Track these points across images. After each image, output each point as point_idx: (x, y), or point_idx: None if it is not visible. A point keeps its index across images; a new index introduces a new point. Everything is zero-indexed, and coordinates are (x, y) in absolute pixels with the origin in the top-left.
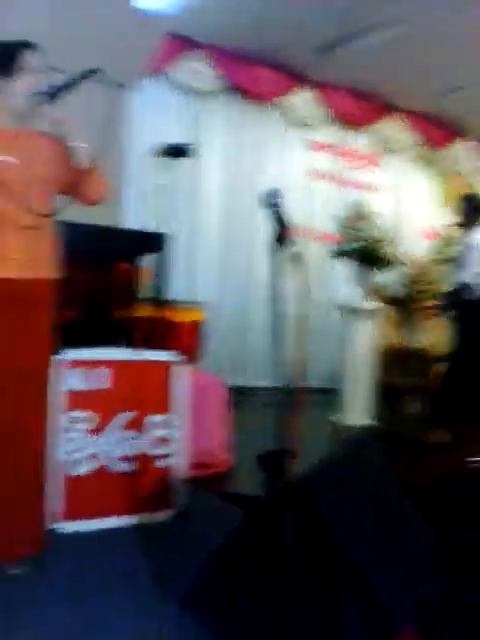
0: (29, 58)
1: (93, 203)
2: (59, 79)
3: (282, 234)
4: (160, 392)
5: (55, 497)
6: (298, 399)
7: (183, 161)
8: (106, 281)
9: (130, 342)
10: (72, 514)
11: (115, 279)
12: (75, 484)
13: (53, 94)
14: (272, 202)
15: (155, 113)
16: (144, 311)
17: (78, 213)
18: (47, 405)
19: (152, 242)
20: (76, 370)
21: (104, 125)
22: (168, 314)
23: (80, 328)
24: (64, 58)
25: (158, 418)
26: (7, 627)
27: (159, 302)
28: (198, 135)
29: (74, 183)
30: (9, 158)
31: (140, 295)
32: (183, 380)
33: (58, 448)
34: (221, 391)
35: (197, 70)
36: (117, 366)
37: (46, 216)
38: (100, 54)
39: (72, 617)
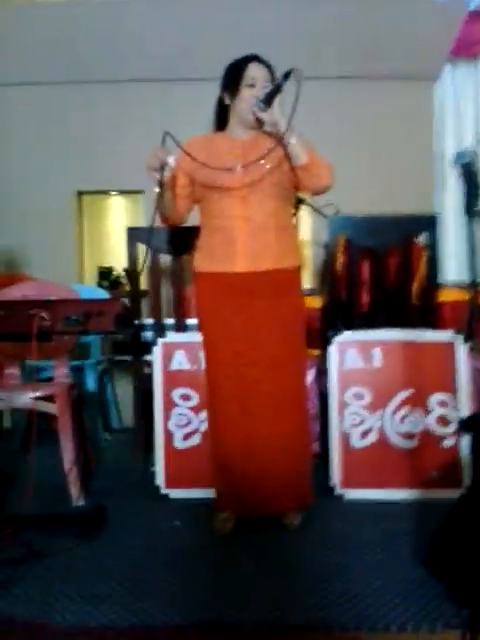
0: (253, 71)
1: (316, 193)
2: (269, 86)
3: (472, 195)
4: (442, 372)
5: (338, 465)
6: None
7: None
8: (395, 266)
9: (435, 326)
10: (353, 482)
11: (404, 263)
12: (356, 455)
13: (266, 100)
14: (464, 161)
15: None
16: (449, 295)
17: (393, 204)
18: (305, 371)
19: (423, 225)
20: (352, 350)
21: (406, 122)
22: (476, 296)
23: (378, 310)
24: (364, 56)
25: (442, 397)
26: (274, 564)
27: (465, 286)
28: None
29: (297, 177)
30: (238, 166)
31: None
32: (464, 360)
33: (341, 422)
34: None
35: None
36: (391, 346)
37: (277, 214)
38: (400, 50)
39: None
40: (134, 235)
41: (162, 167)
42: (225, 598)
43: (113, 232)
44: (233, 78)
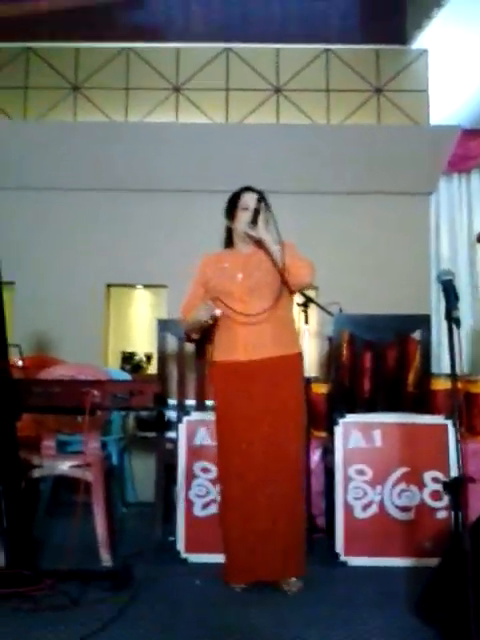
0: (245, 199)
1: (299, 289)
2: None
3: (451, 305)
4: (434, 451)
5: (342, 535)
6: None
7: None
8: (393, 357)
9: (429, 411)
10: (356, 550)
11: (401, 355)
12: (358, 525)
13: (253, 221)
14: (444, 279)
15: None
16: (441, 384)
17: (393, 304)
18: (303, 448)
19: (418, 323)
20: (356, 431)
21: (405, 231)
22: (466, 386)
23: (378, 396)
24: (368, 177)
25: (435, 474)
26: (283, 616)
27: (456, 375)
28: None
29: (283, 278)
30: (239, 275)
31: (432, 370)
32: (454, 441)
33: (345, 495)
34: None
35: None
36: (389, 428)
37: (273, 310)
38: (398, 168)
39: (337, 630)
40: (162, 326)
41: (212, 317)
42: None
43: (135, 321)
44: (231, 205)
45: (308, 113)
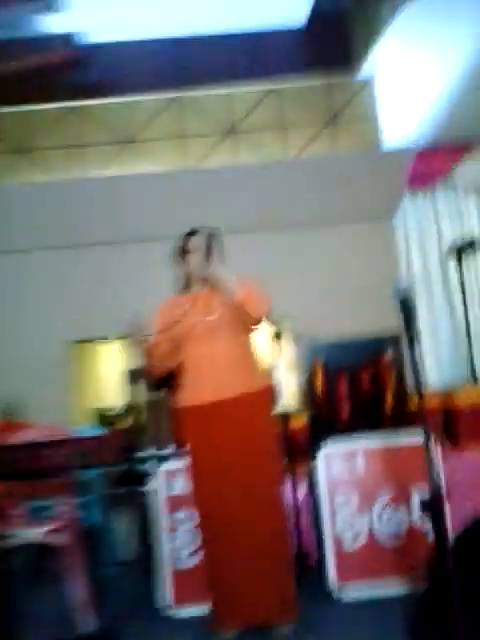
0: (192, 242)
1: (256, 322)
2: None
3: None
4: (419, 471)
5: (334, 568)
6: None
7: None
8: (368, 379)
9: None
10: (348, 584)
11: (375, 377)
12: (350, 557)
13: (205, 259)
14: (402, 298)
15: (448, 217)
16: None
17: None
18: (281, 477)
19: (388, 343)
20: (337, 460)
21: (372, 255)
22: (446, 399)
23: (357, 420)
24: (327, 207)
25: (423, 495)
26: None
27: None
28: None
29: (240, 312)
30: (199, 316)
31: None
32: (438, 459)
33: (332, 527)
34: None
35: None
36: (372, 452)
37: (235, 348)
38: (357, 195)
39: None
40: (132, 376)
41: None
42: None
43: (107, 374)
44: (180, 250)
45: (264, 151)
